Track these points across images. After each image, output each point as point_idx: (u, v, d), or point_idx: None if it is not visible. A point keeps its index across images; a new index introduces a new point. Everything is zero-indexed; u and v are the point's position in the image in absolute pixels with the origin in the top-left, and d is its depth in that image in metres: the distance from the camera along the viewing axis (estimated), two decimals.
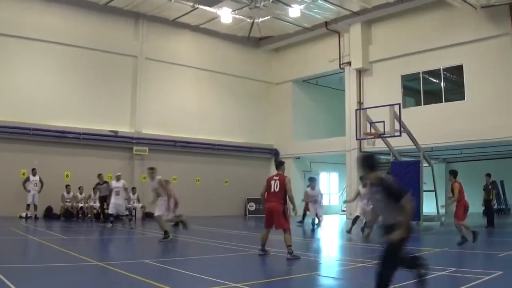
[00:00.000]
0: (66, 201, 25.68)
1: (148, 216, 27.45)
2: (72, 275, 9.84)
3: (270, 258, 12.64)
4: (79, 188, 25.90)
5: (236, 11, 28.80)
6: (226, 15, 28.90)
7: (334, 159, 33.93)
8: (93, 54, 27.91)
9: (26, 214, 24.03)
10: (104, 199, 23.66)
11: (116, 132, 27.95)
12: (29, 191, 23.96)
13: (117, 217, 22.36)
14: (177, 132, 29.95)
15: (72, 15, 27.40)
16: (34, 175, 24.22)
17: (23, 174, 24.59)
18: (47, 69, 26.71)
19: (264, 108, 35.28)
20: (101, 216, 24.45)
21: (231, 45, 33.49)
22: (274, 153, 34.66)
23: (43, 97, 26.13)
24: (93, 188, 25.14)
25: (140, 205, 27.05)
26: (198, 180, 27.12)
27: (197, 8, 28.30)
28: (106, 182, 24.06)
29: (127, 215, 24.09)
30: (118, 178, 21.98)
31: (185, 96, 31.38)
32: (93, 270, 10.59)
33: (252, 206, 29.84)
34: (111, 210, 21.47)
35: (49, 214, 25.59)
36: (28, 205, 24.02)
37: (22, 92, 25.58)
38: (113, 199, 21.48)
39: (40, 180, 24.28)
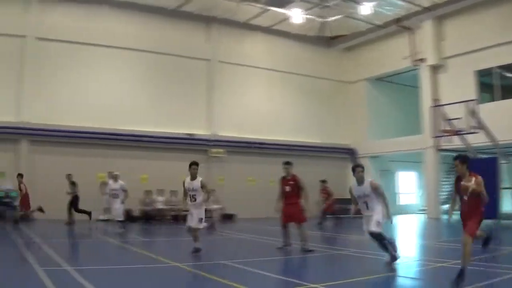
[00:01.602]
0: (145, 204, 26.29)
1: (226, 217, 27.75)
2: (150, 277, 10.06)
3: (348, 259, 12.66)
4: (158, 190, 26.49)
5: (307, 11, 28.84)
6: (296, 16, 29.03)
7: (411, 158, 33.42)
8: (167, 59, 28.65)
9: (104, 218, 24.58)
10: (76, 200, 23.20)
11: (192, 134, 28.45)
12: (105, 194, 24.52)
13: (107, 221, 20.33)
14: (252, 134, 30.26)
15: (144, 21, 28.33)
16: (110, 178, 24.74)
17: (102, 178, 24.87)
18: (123, 75, 27.71)
19: (339, 108, 35.16)
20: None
21: (303, 45, 33.57)
22: (351, 152, 34.47)
23: (120, 103, 27.01)
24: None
25: (219, 206, 27.41)
26: (273, 182, 27.01)
27: (268, 9, 28.51)
28: (73, 182, 23.31)
29: (123, 221, 20.27)
30: (115, 178, 20.10)
31: (259, 97, 31.73)
32: (172, 271, 10.76)
33: None
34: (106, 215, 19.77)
35: (128, 217, 26.14)
36: (106, 209, 24.60)
37: (100, 99, 26.65)
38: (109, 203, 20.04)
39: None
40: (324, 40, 34.02)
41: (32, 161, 25.21)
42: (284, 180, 14.12)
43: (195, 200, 12.74)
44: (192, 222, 12.82)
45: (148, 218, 25.99)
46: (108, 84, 27.25)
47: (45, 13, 26.47)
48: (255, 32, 31.77)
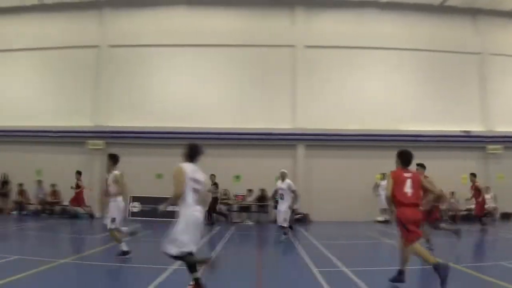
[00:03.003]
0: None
1: (506, 216, 26.29)
2: (419, 277, 10.21)
3: None
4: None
5: None
6: None
7: None
8: (437, 56, 27.79)
9: (382, 219, 24.26)
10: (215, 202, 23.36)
11: (468, 132, 27.19)
12: (379, 195, 24.37)
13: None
14: None
15: (411, 20, 27.86)
16: (382, 179, 24.56)
17: (377, 178, 25.14)
18: (393, 76, 27.54)
19: None
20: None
21: None
22: None
23: (391, 104, 26.77)
24: None
25: (496, 205, 26.05)
26: None
27: None
28: (215, 183, 23.32)
29: (289, 226, 17.51)
30: (283, 177, 17.50)
31: None
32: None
33: None
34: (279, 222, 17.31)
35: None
36: (382, 210, 24.29)
37: (371, 101, 26.86)
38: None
39: None
40: None
41: (308, 165, 25.99)
42: None
43: (109, 194, 12.34)
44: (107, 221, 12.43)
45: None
46: (379, 86, 27.30)
47: (312, 22, 27.53)
48: None
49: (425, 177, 13.62)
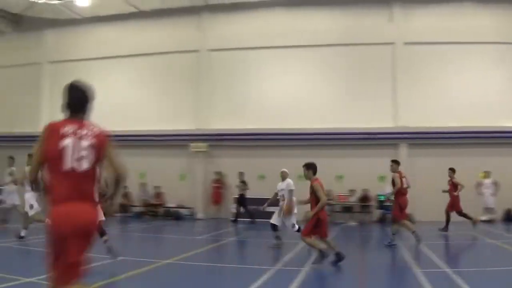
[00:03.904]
0: None
1: None
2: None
3: None
4: None
5: None
6: None
7: None
8: None
9: (485, 218, 23.70)
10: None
11: None
12: (481, 194, 23.85)
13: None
14: None
15: (507, 13, 26.90)
16: (485, 177, 24.13)
17: (481, 177, 24.46)
18: (489, 71, 26.61)
19: None
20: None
21: None
22: None
23: (489, 100, 25.96)
24: None
25: None
26: None
27: None
28: (243, 181, 24.83)
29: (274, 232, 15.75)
30: (283, 177, 15.89)
31: None
32: None
33: None
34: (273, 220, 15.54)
35: (509, 217, 25.08)
36: (486, 209, 23.82)
37: (470, 97, 26.07)
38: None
39: (495, 183, 23.91)
40: None
41: (411, 164, 25.37)
42: None
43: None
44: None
45: None
46: (479, 81, 26.45)
47: (409, 18, 27.20)
48: None
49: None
